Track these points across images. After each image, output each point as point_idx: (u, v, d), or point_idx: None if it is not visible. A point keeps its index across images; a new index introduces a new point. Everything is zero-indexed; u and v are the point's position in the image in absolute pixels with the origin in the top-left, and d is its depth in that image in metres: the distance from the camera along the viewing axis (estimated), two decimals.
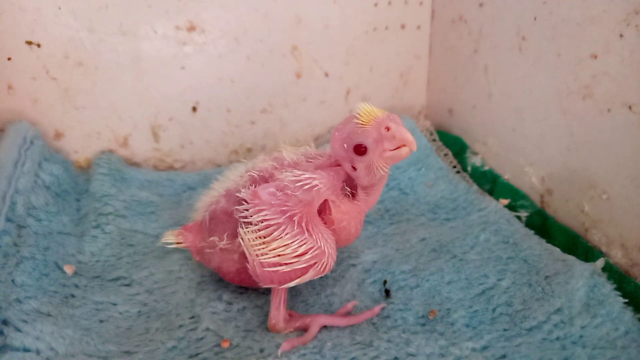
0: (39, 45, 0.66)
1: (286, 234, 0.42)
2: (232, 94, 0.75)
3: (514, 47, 0.64)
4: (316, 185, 0.42)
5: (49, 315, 0.45)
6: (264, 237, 0.42)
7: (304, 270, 0.43)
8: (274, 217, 0.42)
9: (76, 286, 0.51)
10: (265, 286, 0.44)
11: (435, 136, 0.79)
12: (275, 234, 0.42)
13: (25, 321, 0.43)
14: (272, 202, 0.42)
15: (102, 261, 0.55)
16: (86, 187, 0.65)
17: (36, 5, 0.64)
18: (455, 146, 0.76)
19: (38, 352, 0.41)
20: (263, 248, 0.42)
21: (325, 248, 0.43)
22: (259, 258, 0.42)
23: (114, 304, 0.49)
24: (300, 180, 0.43)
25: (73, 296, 0.50)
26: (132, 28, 0.68)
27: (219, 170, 0.71)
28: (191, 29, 0.70)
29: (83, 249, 0.56)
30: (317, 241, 0.43)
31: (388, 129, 0.42)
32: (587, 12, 0.53)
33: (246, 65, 0.74)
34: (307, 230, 0.42)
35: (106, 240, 0.57)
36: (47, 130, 0.69)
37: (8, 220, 0.51)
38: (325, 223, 0.45)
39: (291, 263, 0.42)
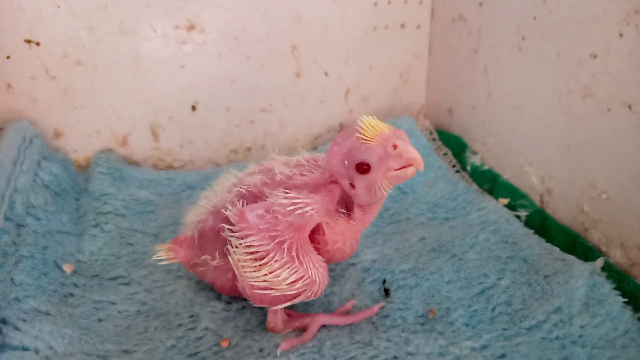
0: (38, 44, 0.66)
1: (275, 261, 0.40)
2: (231, 94, 0.75)
3: (513, 46, 0.64)
4: (308, 211, 0.40)
5: (47, 314, 0.45)
6: (254, 260, 0.41)
7: (295, 296, 0.42)
8: (263, 243, 0.40)
9: (75, 285, 0.51)
10: (257, 305, 0.43)
11: (435, 135, 0.79)
12: (264, 260, 0.40)
13: (24, 320, 0.43)
14: (261, 227, 0.40)
15: (101, 260, 0.55)
16: (85, 186, 0.65)
17: (35, 4, 0.64)
18: (454, 145, 0.76)
19: (37, 351, 0.41)
20: (252, 271, 0.41)
21: (316, 277, 0.41)
22: (249, 280, 0.41)
23: (113, 303, 0.49)
24: (292, 204, 0.40)
25: (72, 295, 0.50)
26: (132, 27, 0.68)
27: (218, 170, 0.72)
28: (191, 28, 0.70)
29: (82, 248, 0.56)
30: (307, 270, 0.40)
31: (395, 146, 0.39)
32: (587, 11, 0.53)
33: (246, 65, 0.74)
34: (298, 258, 0.40)
35: (105, 239, 0.57)
36: (46, 130, 0.69)
37: (7, 219, 0.51)
38: (318, 243, 0.43)
39: (281, 289, 0.41)
